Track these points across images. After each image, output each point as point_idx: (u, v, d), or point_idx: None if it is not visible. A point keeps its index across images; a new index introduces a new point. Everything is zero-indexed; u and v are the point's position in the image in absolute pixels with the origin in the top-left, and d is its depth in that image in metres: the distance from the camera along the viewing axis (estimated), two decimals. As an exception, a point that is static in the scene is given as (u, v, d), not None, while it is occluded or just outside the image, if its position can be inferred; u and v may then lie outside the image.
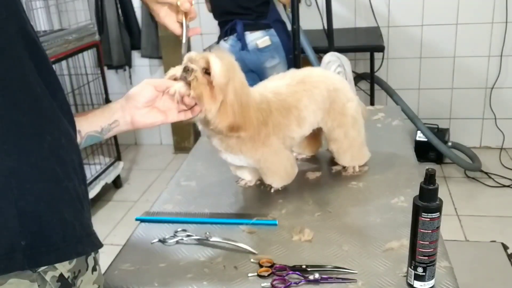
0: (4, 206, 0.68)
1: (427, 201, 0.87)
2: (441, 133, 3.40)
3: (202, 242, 1.12)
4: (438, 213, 0.88)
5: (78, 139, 0.97)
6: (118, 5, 3.67)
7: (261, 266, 1.02)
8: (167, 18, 1.09)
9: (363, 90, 3.44)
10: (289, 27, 2.65)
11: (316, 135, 1.46)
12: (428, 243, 0.89)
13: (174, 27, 1.10)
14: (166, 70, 3.68)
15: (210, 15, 2.88)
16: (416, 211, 0.88)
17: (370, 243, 1.07)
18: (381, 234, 1.10)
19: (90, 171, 3.13)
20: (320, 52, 2.79)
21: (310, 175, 1.41)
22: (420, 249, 0.89)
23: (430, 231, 0.88)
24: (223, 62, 1.09)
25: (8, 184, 0.68)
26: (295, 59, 2.58)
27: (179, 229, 1.17)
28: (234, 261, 1.04)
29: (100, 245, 0.81)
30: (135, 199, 3.30)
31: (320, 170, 1.44)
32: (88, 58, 3.22)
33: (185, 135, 3.91)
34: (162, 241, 1.13)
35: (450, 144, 3.38)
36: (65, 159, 0.76)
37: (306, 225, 1.15)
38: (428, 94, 3.57)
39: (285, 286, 0.95)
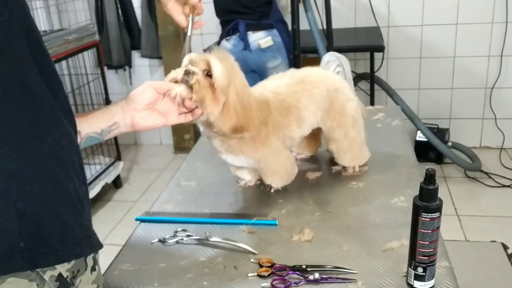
0: (4, 207, 0.68)
1: (427, 201, 0.87)
2: (441, 133, 3.40)
3: (202, 242, 1.12)
4: (438, 213, 0.88)
5: (78, 140, 0.97)
6: (118, 5, 3.67)
7: (261, 266, 1.02)
8: (174, 10, 1.11)
9: (363, 90, 3.44)
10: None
11: (315, 135, 1.46)
12: (428, 243, 0.89)
13: (180, 19, 1.12)
14: (166, 70, 3.69)
15: (212, 15, 2.88)
16: (416, 211, 0.88)
17: (370, 243, 1.07)
18: (381, 234, 1.10)
19: (90, 171, 3.13)
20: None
21: (310, 175, 1.41)
22: (420, 249, 0.89)
23: (430, 231, 0.88)
24: (223, 64, 1.08)
25: (8, 185, 0.69)
26: (295, 59, 2.58)
27: (179, 229, 1.17)
28: (234, 261, 1.04)
29: (99, 246, 0.81)
30: (135, 199, 3.30)
31: (320, 170, 1.44)
32: (88, 58, 3.22)
33: (185, 135, 3.91)
34: (162, 241, 1.13)
35: (450, 144, 3.38)
36: (65, 160, 0.76)
37: (306, 225, 1.15)
38: (428, 94, 3.57)
39: (285, 286, 0.95)
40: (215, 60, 1.08)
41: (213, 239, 1.11)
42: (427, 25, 3.41)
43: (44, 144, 0.72)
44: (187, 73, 1.07)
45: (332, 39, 2.80)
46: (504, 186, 3.10)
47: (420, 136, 3.34)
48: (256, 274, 0.99)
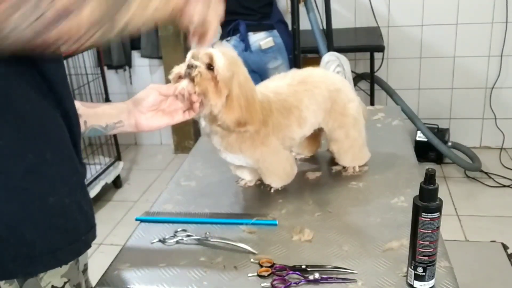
0: None
1: (427, 201, 0.87)
2: (441, 133, 3.40)
3: (202, 242, 1.12)
4: (438, 213, 0.87)
5: (83, 128, 0.99)
6: (118, 5, 3.67)
7: (261, 266, 1.02)
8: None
9: (363, 90, 3.44)
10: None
11: (315, 136, 1.46)
12: (428, 243, 0.89)
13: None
14: (166, 70, 3.69)
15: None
16: (416, 211, 0.88)
17: (370, 243, 1.07)
18: (381, 234, 1.10)
19: (90, 171, 3.13)
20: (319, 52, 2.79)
21: (310, 175, 1.41)
22: (420, 249, 0.89)
23: (430, 231, 0.88)
24: (226, 57, 1.09)
25: None
26: (295, 59, 2.58)
27: (179, 229, 1.17)
28: (234, 261, 1.04)
29: (62, 262, 0.77)
30: (135, 199, 3.30)
31: (320, 170, 1.44)
32: (88, 58, 3.22)
33: (185, 135, 3.91)
34: (162, 241, 1.13)
35: (450, 144, 3.38)
36: (48, 173, 0.73)
37: (306, 225, 1.15)
38: (428, 94, 3.57)
39: (285, 286, 0.95)
40: (217, 53, 1.09)
41: (213, 239, 1.11)
42: (427, 25, 3.41)
43: (21, 163, 0.70)
44: (190, 67, 1.08)
45: (332, 39, 2.80)
46: (504, 186, 3.10)
47: (420, 136, 3.34)
48: (256, 274, 0.99)
